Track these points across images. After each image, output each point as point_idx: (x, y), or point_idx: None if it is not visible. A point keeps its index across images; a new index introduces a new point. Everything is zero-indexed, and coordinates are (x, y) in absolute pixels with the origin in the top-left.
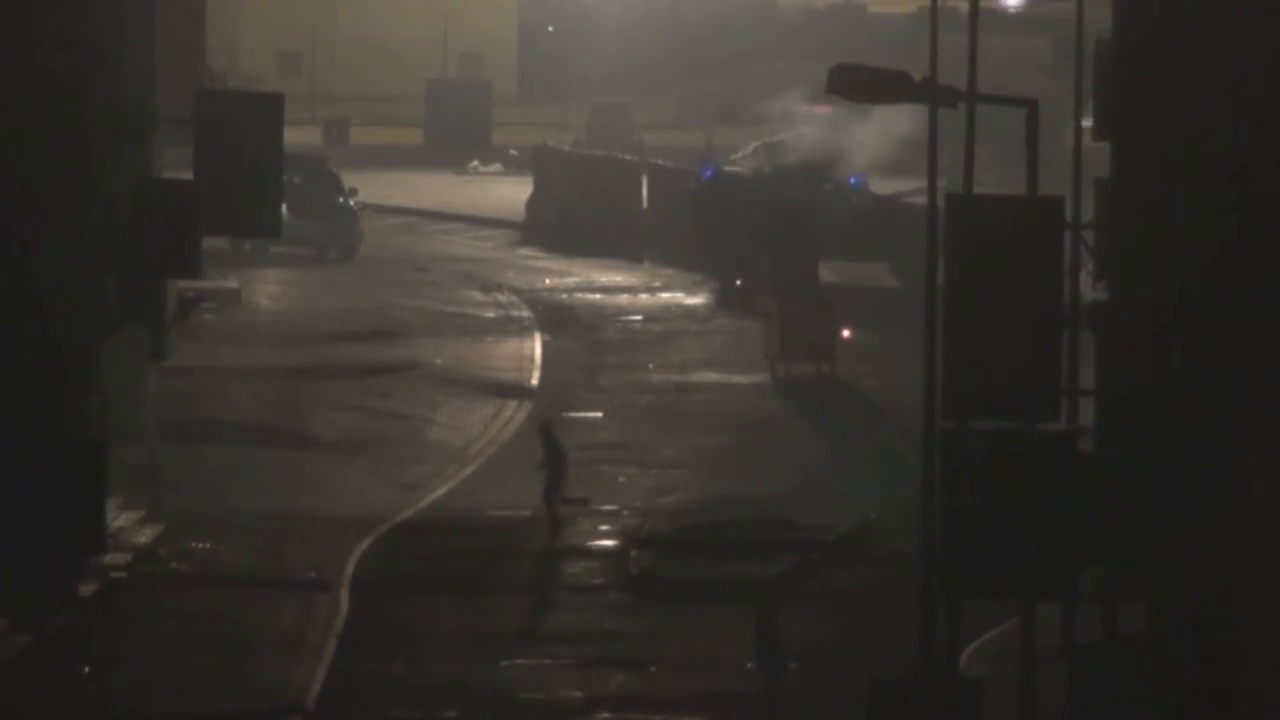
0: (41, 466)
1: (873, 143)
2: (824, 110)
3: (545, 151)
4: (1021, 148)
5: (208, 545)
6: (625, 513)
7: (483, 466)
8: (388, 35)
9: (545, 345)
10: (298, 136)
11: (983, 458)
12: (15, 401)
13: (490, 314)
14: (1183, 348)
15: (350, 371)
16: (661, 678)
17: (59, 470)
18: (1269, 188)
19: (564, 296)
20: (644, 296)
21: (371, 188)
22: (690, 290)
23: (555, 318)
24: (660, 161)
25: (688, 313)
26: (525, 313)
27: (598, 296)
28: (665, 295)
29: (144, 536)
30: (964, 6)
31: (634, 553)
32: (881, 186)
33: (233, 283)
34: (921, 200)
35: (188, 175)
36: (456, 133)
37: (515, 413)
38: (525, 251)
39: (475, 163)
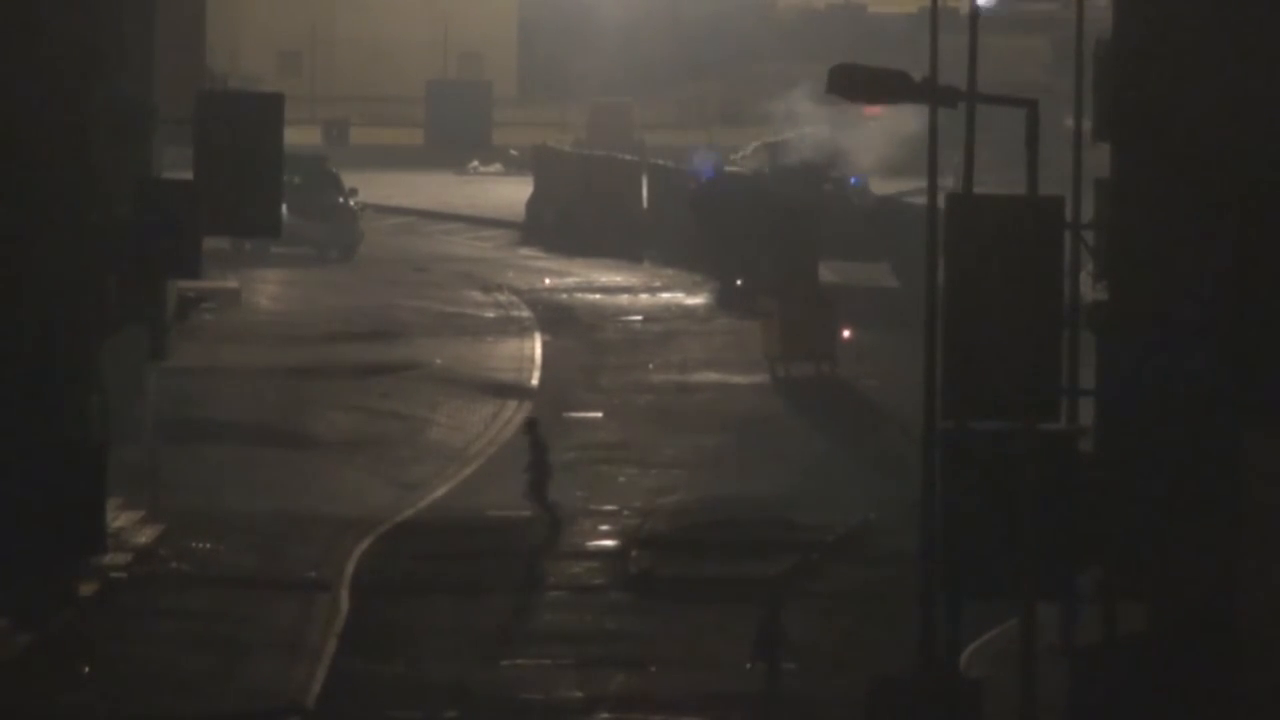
0: (41, 466)
1: (878, 142)
2: (874, 110)
3: (545, 151)
4: (1023, 148)
5: (208, 545)
6: (625, 513)
7: (483, 466)
8: (388, 35)
9: (545, 345)
10: (298, 136)
11: (983, 458)
12: (15, 401)
13: (490, 314)
14: (1183, 348)
15: (350, 371)
16: (661, 678)
17: (59, 470)
18: (1269, 187)
19: (564, 296)
20: (644, 296)
21: (371, 188)
22: (690, 290)
23: (555, 318)
24: (660, 161)
25: (688, 313)
26: (525, 313)
27: (598, 296)
28: (665, 295)
29: (144, 536)
30: (964, 7)
31: (634, 553)
32: (886, 186)
33: (233, 283)
34: (922, 200)
35: (188, 175)
36: (456, 133)
37: (515, 413)
38: (525, 251)
39: (475, 163)
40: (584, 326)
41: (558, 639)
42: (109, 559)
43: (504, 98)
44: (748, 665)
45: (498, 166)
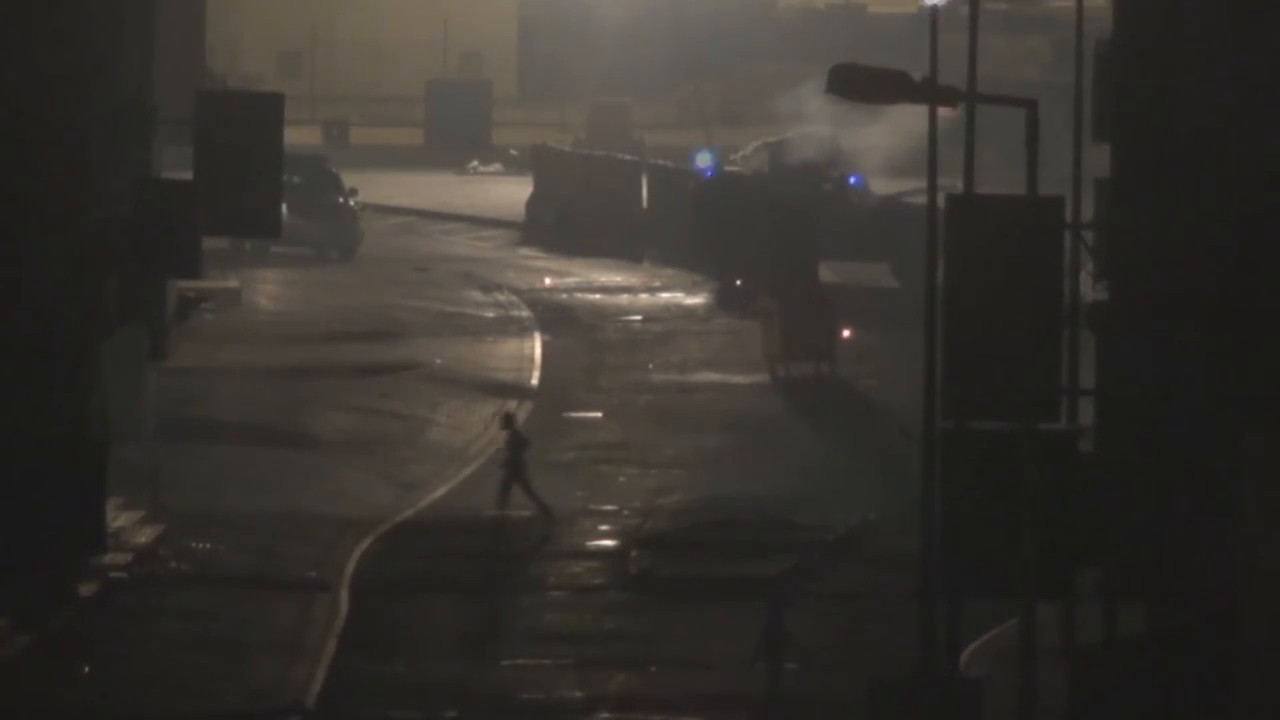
0: (41, 466)
1: (885, 142)
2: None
3: (545, 151)
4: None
5: (208, 545)
6: (625, 513)
7: (483, 466)
8: (388, 35)
9: (545, 345)
10: (298, 136)
11: (983, 458)
12: (16, 402)
13: (490, 314)
14: (1183, 348)
15: (350, 371)
16: (661, 678)
17: (59, 470)
18: (1268, 187)
19: (564, 296)
20: (644, 296)
21: (371, 188)
22: (690, 290)
23: (555, 318)
24: (660, 161)
25: (688, 313)
26: (525, 313)
27: (597, 296)
28: (665, 295)
29: (144, 536)
30: (964, 7)
31: (634, 553)
32: (890, 186)
33: (233, 283)
34: (922, 200)
35: (188, 175)
36: (456, 133)
37: (515, 413)
38: (525, 251)
39: (475, 163)
40: (584, 326)
41: (558, 639)
42: (109, 559)
43: (504, 98)
44: (758, 662)
45: (497, 166)
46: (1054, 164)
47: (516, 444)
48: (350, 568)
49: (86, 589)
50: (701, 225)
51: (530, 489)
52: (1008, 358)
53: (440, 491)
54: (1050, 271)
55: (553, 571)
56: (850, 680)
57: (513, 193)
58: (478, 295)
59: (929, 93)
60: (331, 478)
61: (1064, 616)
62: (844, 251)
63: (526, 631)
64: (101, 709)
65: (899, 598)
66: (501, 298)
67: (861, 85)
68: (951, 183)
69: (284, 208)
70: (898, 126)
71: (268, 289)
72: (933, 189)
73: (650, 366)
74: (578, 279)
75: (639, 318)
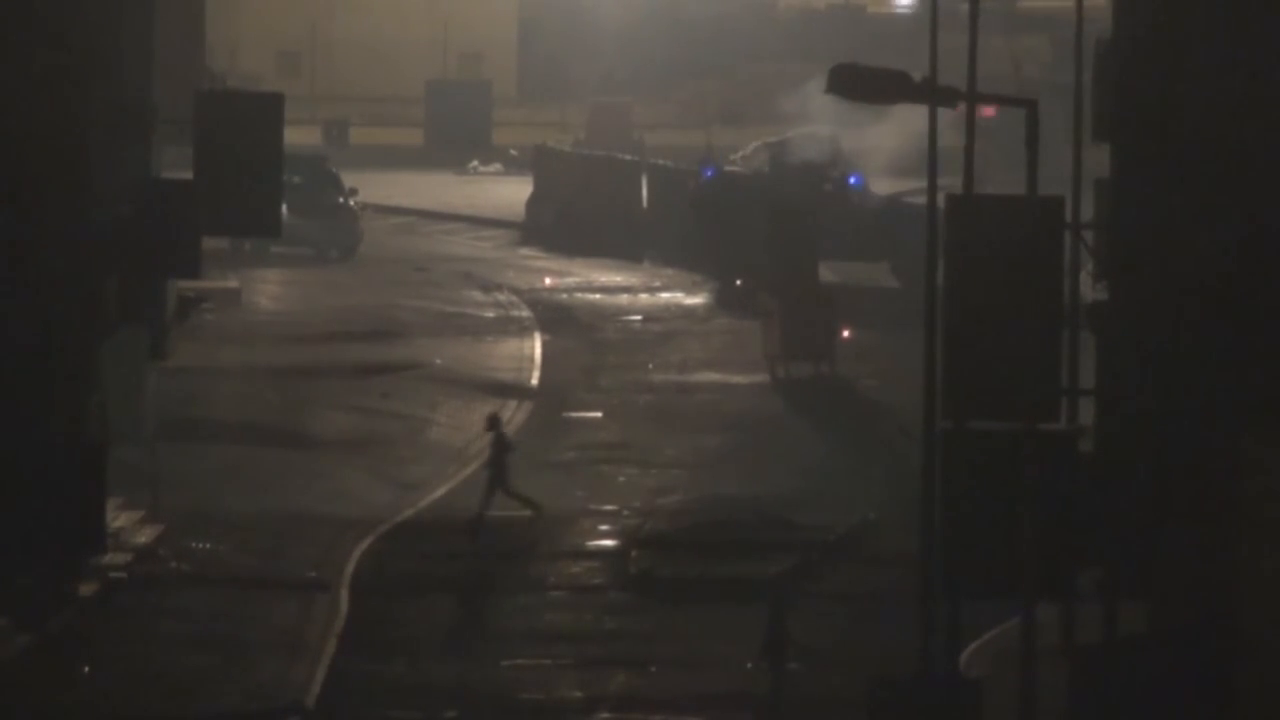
0: (41, 466)
1: (890, 142)
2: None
3: (545, 151)
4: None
5: (208, 545)
6: (625, 513)
7: (482, 466)
8: (388, 35)
9: (545, 345)
10: (298, 136)
11: (983, 458)
12: (15, 402)
13: (490, 314)
14: (1183, 348)
15: (350, 371)
16: (661, 678)
17: (59, 470)
18: (1268, 187)
19: (564, 296)
20: (644, 296)
21: (371, 188)
22: (690, 290)
23: (555, 318)
24: (660, 161)
25: (688, 313)
26: (525, 313)
27: (597, 296)
28: (665, 295)
29: (144, 536)
30: (963, 7)
31: (634, 553)
32: (894, 186)
33: (233, 283)
34: (922, 200)
35: (188, 175)
36: (456, 133)
37: (515, 413)
38: (525, 251)
39: (475, 163)
40: (584, 326)
41: (558, 639)
42: (109, 559)
43: (504, 98)
44: (763, 663)
45: (497, 166)
46: (1054, 164)
47: (500, 446)
48: (350, 568)
49: (86, 589)
50: (701, 225)
51: (511, 491)
52: (1008, 358)
53: (440, 491)
54: (1050, 271)
55: (552, 571)
56: (850, 680)
57: (513, 193)
58: (478, 295)
59: (929, 93)
60: (331, 478)
61: (1064, 616)
62: (844, 251)
63: (526, 631)
64: (101, 709)
65: (899, 598)
66: (501, 298)
67: (861, 85)
68: (953, 182)
69: (284, 208)
70: (903, 126)
71: (268, 289)
72: (933, 189)
73: (650, 366)
74: (578, 279)
75: (639, 318)
